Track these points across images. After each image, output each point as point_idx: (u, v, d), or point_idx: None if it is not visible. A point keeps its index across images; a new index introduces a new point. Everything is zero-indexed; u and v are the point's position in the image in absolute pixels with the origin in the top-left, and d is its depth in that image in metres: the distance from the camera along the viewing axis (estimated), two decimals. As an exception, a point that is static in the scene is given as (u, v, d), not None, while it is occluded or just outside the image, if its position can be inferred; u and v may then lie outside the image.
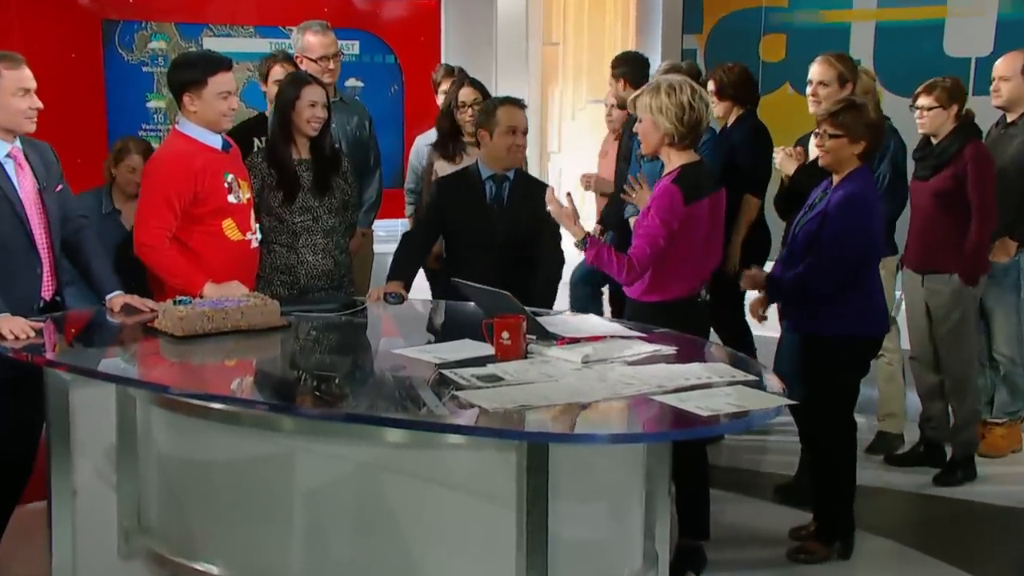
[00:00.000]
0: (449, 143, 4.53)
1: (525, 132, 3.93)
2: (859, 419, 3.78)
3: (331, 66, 4.45)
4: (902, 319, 4.60)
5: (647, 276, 3.33)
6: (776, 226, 4.71)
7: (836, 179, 3.53)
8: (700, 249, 3.36)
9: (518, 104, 4.00)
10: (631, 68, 4.95)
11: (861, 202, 3.44)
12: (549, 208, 3.42)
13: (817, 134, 3.56)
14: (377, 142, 4.77)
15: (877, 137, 3.53)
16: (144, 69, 5.64)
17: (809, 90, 4.17)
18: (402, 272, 3.82)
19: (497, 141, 3.86)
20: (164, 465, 2.85)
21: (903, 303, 4.56)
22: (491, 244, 3.85)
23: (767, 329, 4.23)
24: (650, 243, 3.27)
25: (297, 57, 4.53)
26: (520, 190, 3.93)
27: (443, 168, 4.48)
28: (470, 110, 4.47)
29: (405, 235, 4.12)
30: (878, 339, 3.67)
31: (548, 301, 3.87)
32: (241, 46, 5.78)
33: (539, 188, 4.05)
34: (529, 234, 3.87)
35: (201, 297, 3.32)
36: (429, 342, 3.05)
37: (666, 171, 3.37)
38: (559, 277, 4.08)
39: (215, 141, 3.55)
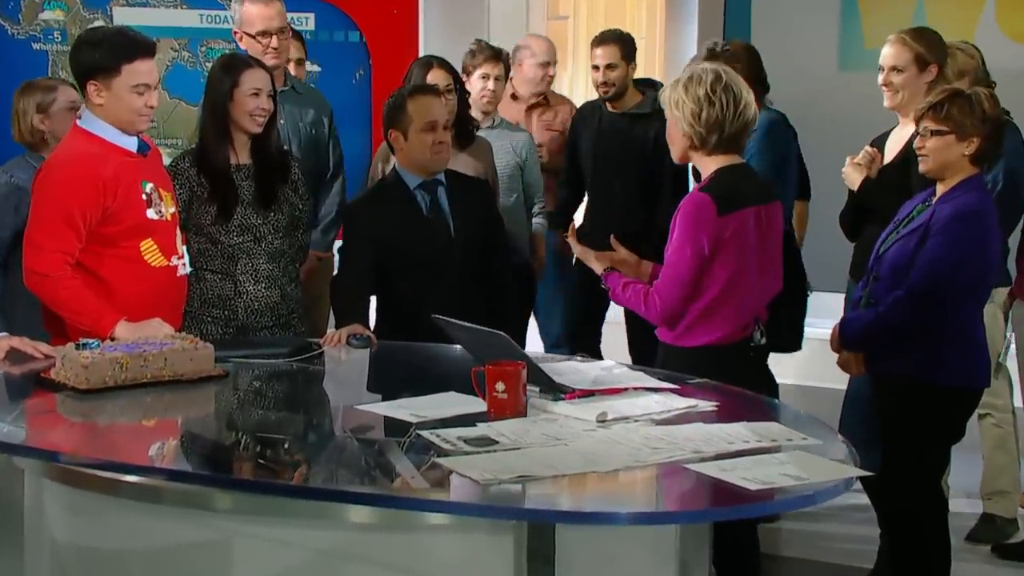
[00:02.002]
0: None
1: (446, 126, 4.01)
2: (958, 499, 3.80)
3: (274, 44, 4.51)
4: (1014, 368, 4.62)
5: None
6: (822, 253, 4.75)
7: (941, 189, 3.55)
8: (750, 275, 3.40)
9: (432, 92, 4.10)
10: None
11: (974, 220, 3.45)
12: (574, 247, 3.67)
13: (920, 134, 3.58)
14: (339, 142, 4.84)
15: (994, 135, 3.50)
16: (35, 46, 5.69)
17: (881, 78, 4.23)
18: (356, 313, 3.87)
19: (414, 142, 3.95)
20: (60, 556, 2.85)
21: (1012, 346, 4.58)
22: (447, 262, 3.96)
23: (812, 378, 4.25)
24: (673, 272, 3.33)
25: (236, 34, 4.60)
26: (459, 192, 4.04)
27: None
28: (441, 98, 4.55)
29: (335, 280, 4.17)
30: (977, 392, 3.70)
31: (520, 324, 3.94)
32: (163, 19, 5.85)
33: (478, 186, 4.19)
34: (482, 242, 4.02)
35: (112, 339, 3.35)
36: (403, 395, 3.09)
37: (703, 179, 3.44)
38: (518, 289, 4.25)
39: (128, 141, 3.58)
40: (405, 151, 4.00)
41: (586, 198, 5.32)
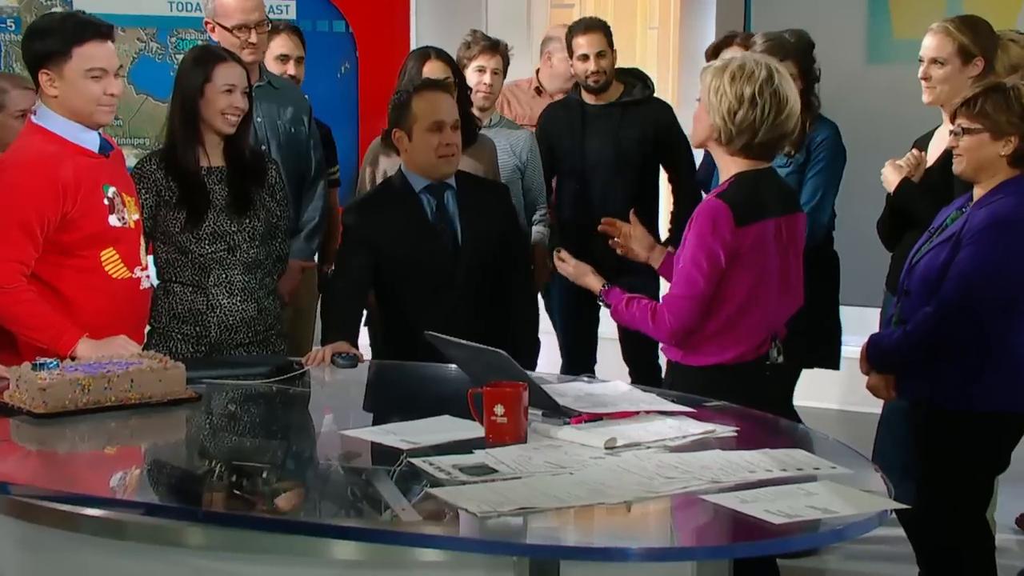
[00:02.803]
0: None
1: (456, 126, 4.01)
2: (1005, 536, 3.76)
3: (253, 39, 4.54)
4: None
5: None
6: (854, 263, 4.74)
7: (978, 193, 3.56)
8: (769, 292, 3.41)
9: (440, 87, 4.11)
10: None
11: (1011, 227, 3.45)
12: (562, 269, 3.62)
13: (953, 132, 3.58)
14: (320, 141, 4.85)
15: None
16: (-13, 36, 5.72)
17: (920, 71, 4.24)
18: (346, 327, 3.88)
19: (419, 143, 3.97)
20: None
21: None
22: (452, 275, 3.97)
23: (844, 401, 4.23)
24: (686, 284, 3.32)
25: (207, 24, 4.62)
26: (471, 197, 4.04)
27: (393, 168, 4.59)
28: (451, 95, 4.56)
29: (327, 288, 4.18)
30: (1023, 417, 3.69)
31: (532, 355, 3.92)
32: (128, 6, 5.86)
33: (494, 191, 4.20)
34: (496, 256, 4.01)
35: (73, 359, 3.36)
36: (394, 420, 3.10)
37: (720, 180, 3.44)
38: (537, 319, 4.23)
39: (89, 140, 3.59)
40: (410, 153, 4.01)
41: (564, 204, 5.33)
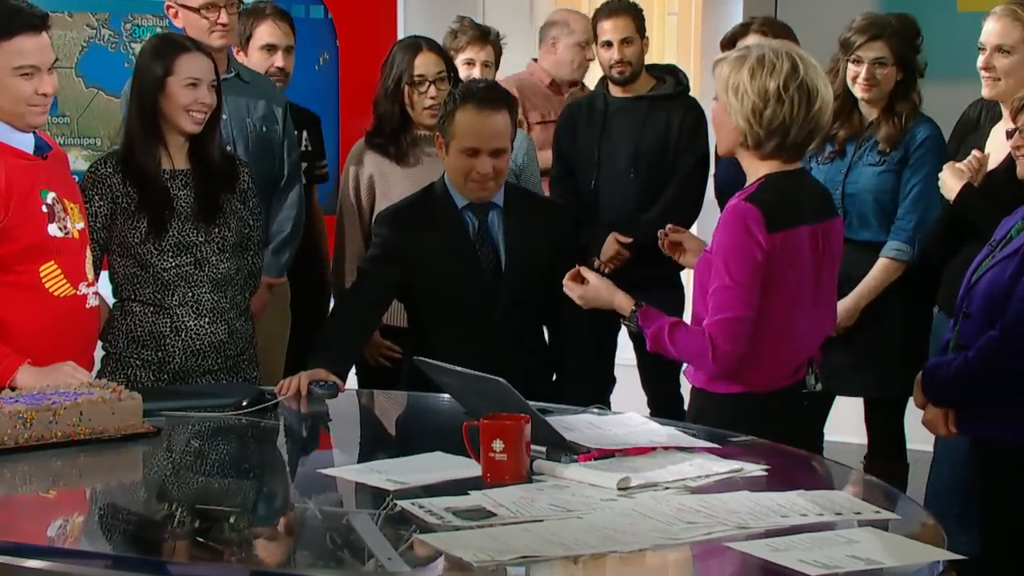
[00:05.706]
0: (397, 136, 4.65)
1: (498, 154, 3.92)
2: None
3: (223, 19, 4.53)
4: None
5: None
6: None
7: None
8: (802, 308, 3.41)
9: (491, 105, 3.94)
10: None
11: None
12: (571, 293, 3.57)
13: (1020, 131, 3.61)
14: (296, 142, 4.86)
15: None
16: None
17: (981, 60, 4.24)
18: (335, 351, 3.88)
19: (452, 161, 3.96)
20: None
21: None
22: (492, 304, 3.95)
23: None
24: (738, 303, 3.29)
25: (168, 7, 4.63)
26: (520, 216, 4.02)
27: (383, 172, 4.62)
28: (432, 88, 4.59)
29: (343, 295, 4.17)
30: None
31: (583, 395, 3.87)
32: (73, -11, 5.89)
33: (549, 210, 4.20)
34: (543, 286, 3.96)
35: (13, 388, 3.36)
36: (379, 457, 3.11)
37: (747, 183, 3.45)
38: (593, 354, 4.19)
39: (23, 140, 3.59)
40: (446, 164, 4.00)
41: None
